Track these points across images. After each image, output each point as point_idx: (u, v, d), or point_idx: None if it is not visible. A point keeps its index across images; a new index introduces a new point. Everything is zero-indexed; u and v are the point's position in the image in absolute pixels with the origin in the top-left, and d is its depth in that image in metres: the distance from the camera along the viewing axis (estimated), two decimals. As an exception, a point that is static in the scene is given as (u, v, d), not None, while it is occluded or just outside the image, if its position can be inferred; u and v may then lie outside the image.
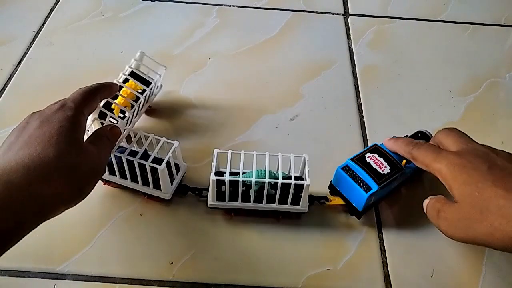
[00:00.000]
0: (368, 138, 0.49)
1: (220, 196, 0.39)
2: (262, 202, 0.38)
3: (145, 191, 0.40)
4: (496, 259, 0.39)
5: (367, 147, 0.40)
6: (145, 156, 0.37)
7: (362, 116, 0.51)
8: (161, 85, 0.49)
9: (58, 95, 0.51)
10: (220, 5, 0.65)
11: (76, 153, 0.31)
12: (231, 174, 0.38)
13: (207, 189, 0.40)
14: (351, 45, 0.60)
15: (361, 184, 0.37)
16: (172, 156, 0.39)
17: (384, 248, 0.40)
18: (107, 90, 0.39)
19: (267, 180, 0.37)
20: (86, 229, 0.39)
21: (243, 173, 0.37)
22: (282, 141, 0.48)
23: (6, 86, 0.52)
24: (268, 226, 0.40)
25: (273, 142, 0.48)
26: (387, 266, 0.39)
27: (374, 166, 0.38)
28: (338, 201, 0.40)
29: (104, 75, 0.53)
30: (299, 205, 0.39)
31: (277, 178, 0.37)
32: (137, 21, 0.62)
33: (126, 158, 0.37)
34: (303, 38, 0.61)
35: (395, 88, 0.55)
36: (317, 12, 0.66)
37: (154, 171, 0.37)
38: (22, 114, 0.48)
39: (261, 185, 0.38)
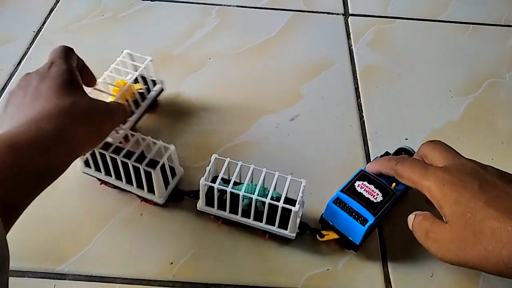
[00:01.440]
0: (368, 138, 0.49)
1: (209, 202, 0.38)
2: (250, 217, 0.37)
3: (140, 194, 0.40)
4: (496, 259, 0.39)
5: (355, 175, 0.38)
6: (141, 158, 0.37)
7: (362, 116, 0.51)
8: (161, 82, 0.49)
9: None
10: (220, 5, 0.65)
11: (86, 99, 0.34)
12: (225, 182, 0.38)
13: (195, 191, 0.40)
14: (351, 45, 0.60)
15: (357, 217, 0.36)
16: (167, 160, 0.38)
17: (384, 248, 0.40)
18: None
19: (254, 196, 0.35)
20: (86, 229, 0.39)
21: (237, 183, 0.37)
22: (282, 141, 0.48)
23: (6, 86, 0.52)
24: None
25: (273, 142, 0.48)
26: (387, 266, 0.39)
27: (366, 195, 0.36)
28: (331, 235, 0.38)
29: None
30: (286, 229, 0.37)
31: (267, 196, 0.36)
32: (137, 21, 0.62)
33: (121, 160, 0.37)
34: (303, 38, 0.61)
35: (395, 88, 0.55)
36: (317, 12, 0.66)
37: (149, 174, 0.37)
38: (22, 114, 0.48)
39: (251, 200, 0.36)
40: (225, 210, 0.38)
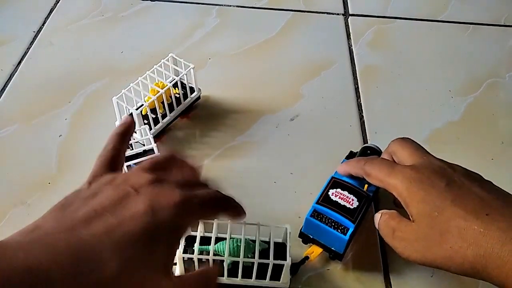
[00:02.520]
0: (368, 138, 0.49)
1: (189, 269, 0.35)
2: (237, 276, 0.34)
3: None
4: (496, 259, 0.39)
5: (326, 183, 0.38)
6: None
7: (362, 116, 0.51)
8: (199, 90, 0.48)
9: (58, 95, 0.51)
10: (220, 5, 0.65)
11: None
12: (202, 241, 0.34)
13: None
14: (351, 45, 0.60)
15: (337, 227, 0.35)
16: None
17: (384, 248, 0.40)
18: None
19: (241, 259, 0.33)
20: (86, 229, 0.39)
21: (217, 239, 0.34)
22: (282, 141, 0.48)
23: (6, 86, 0.52)
24: (269, 222, 0.40)
25: (273, 142, 0.48)
26: (387, 266, 0.39)
27: (342, 202, 0.36)
28: (316, 251, 0.37)
29: (104, 75, 0.54)
30: (279, 280, 0.35)
31: (254, 250, 0.33)
32: (137, 21, 0.62)
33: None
34: (303, 38, 0.61)
35: (395, 88, 0.55)
36: (317, 12, 0.66)
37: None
38: (22, 114, 0.48)
39: (234, 260, 0.34)
40: None
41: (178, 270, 0.35)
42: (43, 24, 0.60)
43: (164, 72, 0.46)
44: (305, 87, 0.54)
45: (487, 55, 0.60)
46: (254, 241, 0.34)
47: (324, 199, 0.37)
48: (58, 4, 0.64)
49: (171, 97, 0.45)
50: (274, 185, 0.44)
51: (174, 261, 0.35)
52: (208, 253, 0.33)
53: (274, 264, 0.33)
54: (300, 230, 0.38)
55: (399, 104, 0.53)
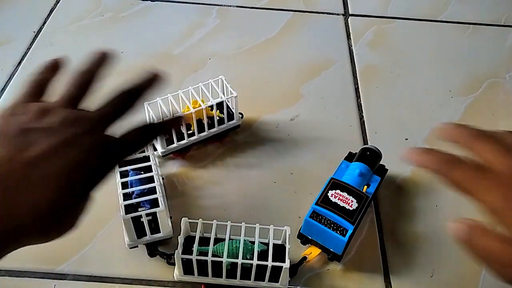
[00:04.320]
0: (368, 138, 0.49)
1: (188, 269, 0.34)
2: (236, 277, 0.34)
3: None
4: (496, 259, 0.39)
5: (326, 184, 0.38)
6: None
7: (362, 116, 0.51)
8: (241, 116, 0.46)
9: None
10: (220, 5, 0.65)
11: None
12: (201, 241, 0.34)
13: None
14: (351, 45, 0.60)
15: (336, 229, 0.35)
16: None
17: (384, 248, 0.40)
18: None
19: (240, 260, 0.33)
20: (86, 229, 0.39)
21: (216, 240, 0.34)
22: (282, 141, 0.48)
23: (6, 86, 0.52)
24: (269, 222, 0.40)
25: (273, 142, 0.48)
26: (387, 266, 0.39)
27: (341, 204, 0.36)
28: (314, 251, 0.37)
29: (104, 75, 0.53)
30: (278, 281, 0.34)
31: (253, 251, 0.33)
32: (137, 21, 0.62)
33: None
34: (303, 38, 0.61)
35: (395, 88, 0.55)
36: (317, 12, 0.66)
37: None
38: (22, 114, 0.48)
39: (232, 261, 0.34)
40: (206, 275, 0.34)
41: (177, 270, 0.35)
42: (43, 24, 0.60)
43: (206, 93, 0.44)
44: (305, 87, 0.54)
45: (487, 55, 0.60)
46: (253, 243, 0.34)
47: (324, 200, 0.37)
48: (58, 4, 0.64)
49: (203, 117, 0.43)
50: (274, 185, 0.44)
51: (173, 261, 0.36)
52: (207, 254, 0.33)
53: (272, 266, 0.33)
54: (299, 231, 0.38)
55: (399, 104, 0.53)
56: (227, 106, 0.45)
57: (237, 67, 0.56)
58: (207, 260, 0.33)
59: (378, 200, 0.43)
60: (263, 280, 0.34)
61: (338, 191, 0.37)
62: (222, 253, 0.33)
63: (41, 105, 0.27)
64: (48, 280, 0.36)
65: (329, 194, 0.37)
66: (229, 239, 0.34)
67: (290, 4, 0.66)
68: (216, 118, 0.44)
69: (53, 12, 0.62)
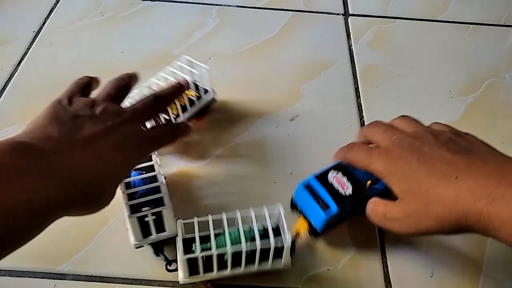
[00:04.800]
0: (368, 138, 0.49)
1: (193, 269, 0.35)
2: (239, 265, 0.35)
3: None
4: (496, 259, 0.39)
5: (333, 164, 0.38)
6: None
7: (362, 116, 0.51)
8: (214, 92, 0.47)
9: (58, 95, 0.51)
10: (220, 5, 0.65)
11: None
12: (201, 240, 0.34)
13: (173, 261, 0.37)
14: (351, 45, 0.60)
15: (321, 204, 0.36)
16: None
17: (384, 248, 0.40)
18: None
19: (244, 248, 0.33)
20: (86, 229, 0.39)
21: (215, 235, 0.34)
22: (282, 141, 0.48)
23: (6, 86, 0.52)
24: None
25: (273, 142, 0.48)
26: (387, 266, 0.39)
27: (336, 186, 0.36)
28: (303, 225, 0.38)
29: (104, 75, 0.53)
30: (280, 262, 0.36)
31: (253, 239, 0.33)
32: (137, 21, 0.62)
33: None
34: (303, 38, 0.61)
35: (395, 88, 0.55)
36: (317, 12, 0.66)
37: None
38: (22, 114, 0.48)
39: (236, 250, 0.34)
40: (211, 271, 0.35)
41: (181, 274, 0.35)
42: (43, 24, 0.60)
43: (176, 73, 0.45)
44: (305, 87, 0.54)
45: (487, 55, 0.60)
46: (250, 229, 0.35)
47: (322, 176, 0.37)
48: (58, 4, 0.64)
49: (183, 98, 0.44)
50: (274, 185, 0.44)
51: (172, 268, 0.37)
52: (210, 250, 0.33)
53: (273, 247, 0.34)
54: (291, 198, 0.39)
55: (399, 104, 0.53)
56: (201, 82, 0.46)
57: (237, 67, 0.56)
58: (211, 256, 0.33)
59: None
60: (265, 264, 0.35)
61: (339, 174, 0.38)
62: (225, 245, 0.33)
63: (87, 98, 0.33)
64: (48, 280, 0.36)
65: (330, 174, 0.38)
66: (228, 230, 0.34)
67: (290, 4, 0.66)
68: (195, 96, 0.46)
69: (53, 12, 0.62)
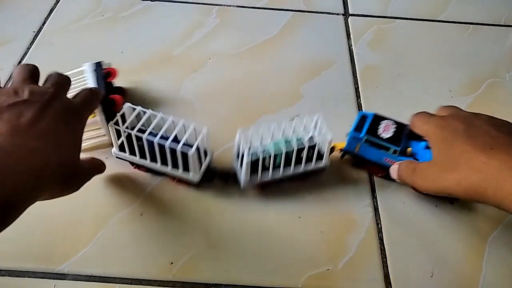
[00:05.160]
0: (368, 138, 0.49)
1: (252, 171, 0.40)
2: (289, 167, 0.41)
3: (175, 174, 0.41)
4: (496, 259, 0.39)
5: (398, 121, 0.42)
6: (176, 141, 0.38)
7: (362, 116, 0.51)
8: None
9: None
10: (220, 5, 0.65)
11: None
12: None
13: (230, 174, 0.43)
14: (351, 45, 0.60)
15: (358, 128, 0.41)
16: (200, 142, 0.39)
17: (384, 248, 0.40)
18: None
19: (295, 147, 0.39)
20: (86, 229, 0.39)
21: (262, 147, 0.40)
22: (282, 141, 0.48)
23: (6, 86, 0.52)
24: (269, 222, 0.40)
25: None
26: (387, 266, 0.39)
27: (380, 128, 0.41)
28: (340, 144, 0.44)
29: (104, 75, 0.53)
30: (321, 163, 0.42)
31: (299, 144, 0.40)
32: (137, 21, 0.62)
33: (158, 143, 0.38)
34: (303, 38, 0.61)
35: (395, 88, 0.55)
36: (317, 12, 0.66)
37: (185, 155, 0.38)
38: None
39: (285, 154, 0.40)
40: (267, 175, 0.41)
41: (243, 177, 0.40)
42: (43, 24, 0.60)
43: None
44: (305, 87, 0.54)
45: (487, 55, 0.60)
46: (291, 139, 0.40)
47: (379, 118, 0.42)
48: (58, 4, 0.64)
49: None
50: (274, 185, 0.44)
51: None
52: (268, 155, 0.39)
53: (312, 148, 0.41)
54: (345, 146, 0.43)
55: (399, 104, 0.53)
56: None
57: (237, 67, 0.56)
58: (263, 164, 0.40)
59: (378, 200, 0.43)
60: (310, 165, 0.41)
61: (393, 125, 0.42)
62: (280, 150, 0.39)
63: (8, 88, 0.33)
64: (48, 280, 0.36)
65: (386, 120, 0.42)
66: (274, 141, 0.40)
67: (290, 4, 0.66)
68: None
69: (53, 12, 0.62)
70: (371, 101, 0.53)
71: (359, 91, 0.54)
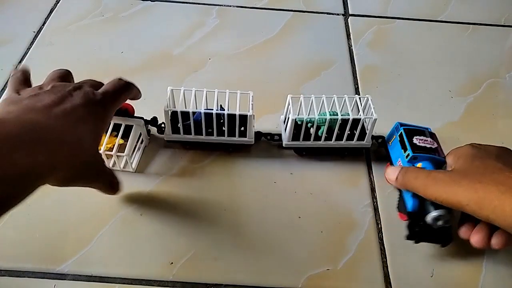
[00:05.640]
0: (368, 138, 0.49)
1: (293, 136, 0.43)
2: (331, 139, 0.43)
3: (232, 140, 0.43)
4: (496, 259, 0.39)
5: (439, 149, 0.41)
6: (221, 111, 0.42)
7: (362, 116, 0.51)
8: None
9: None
10: (220, 5, 0.65)
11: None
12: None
13: (277, 135, 0.46)
14: (351, 45, 0.60)
15: (405, 125, 0.43)
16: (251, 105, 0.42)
17: (384, 248, 0.40)
18: (134, 92, 0.38)
19: (339, 118, 0.41)
20: (86, 229, 0.39)
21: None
22: (282, 141, 0.48)
23: (6, 86, 0.52)
24: (269, 222, 0.40)
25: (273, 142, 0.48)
26: (387, 266, 0.39)
27: (420, 137, 0.41)
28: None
29: (104, 75, 0.53)
30: (364, 140, 0.44)
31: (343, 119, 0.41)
32: (137, 21, 0.62)
33: (215, 113, 0.41)
34: (303, 38, 0.61)
35: (395, 88, 0.55)
36: (317, 12, 0.66)
37: (243, 118, 0.42)
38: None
39: (328, 126, 0.42)
40: (308, 140, 0.43)
41: (286, 137, 0.44)
42: (43, 24, 0.60)
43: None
44: (305, 87, 0.54)
45: (487, 55, 0.60)
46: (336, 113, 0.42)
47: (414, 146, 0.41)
48: (58, 4, 0.64)
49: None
50: (274, 185, 0.44)
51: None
52: (312, 122, 0.42)
53: (356, 123, 0.42)
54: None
55: (399, 104, 0.53)
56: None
57: (237, 67, 0.56)
58: (306, 131, 0.43)
59: (378, 200, 0.43)
60: (351, 142, 0.44)
61: (433, 140, 0.41)
62: (324, 120, 0.42)
63: (35, 86, 0.34)
64: (48, 280, 0.36)
65: (421, 135, 0.41)
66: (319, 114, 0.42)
67: (290, 4, 0.66)
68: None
69: (53, 12, 0.62)
70: (371, 101, 0.53)
71: (359, 91, 0.54)
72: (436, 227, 0.36)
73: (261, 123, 0.49)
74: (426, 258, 0.39)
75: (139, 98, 0.40)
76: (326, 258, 0.39)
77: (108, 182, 0.36)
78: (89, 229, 0.39)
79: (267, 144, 0.47)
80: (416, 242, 0.38)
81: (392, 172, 0.38)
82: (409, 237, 0.37)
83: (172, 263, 0.38)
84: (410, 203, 0.37)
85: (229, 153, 0.46)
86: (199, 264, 0.38)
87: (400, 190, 0.40)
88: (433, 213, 0.35)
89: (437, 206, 0.35)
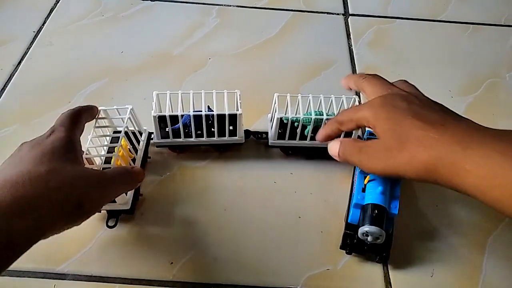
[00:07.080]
0: (368, 138, 0.49)
1: (279, 135, 0.43)
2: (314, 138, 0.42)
3: (223, 140, 0.43)
4: (496, 259, 0.39)
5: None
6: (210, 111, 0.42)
7: (362, 116, 0.51)
8: (145, 130, 0.45)
9: (58, 95, 0.51)
10: (220, 5, 0.65)
11: (71, 169, 0.30)
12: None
13: (265, 133, 0.46)
14: (351, 45, 0.60)
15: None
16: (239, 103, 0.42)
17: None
18: (90, 112, 0.38)
19: (324, 117, 0.41)
20: (86, 229, 0.39)
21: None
22: (282, 141, 0.48)
23: (6, 86, 0.52)
24: (269, 222, 0.40)
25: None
26: (387, 266, 0.39)
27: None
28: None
29: (104, 75, 0.54)
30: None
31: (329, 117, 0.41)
32: (137, 21, 0.62)
33: (205, 115, 0.41)
34: (303, 38, 0.61)
35: (395, 88, 0.55)
36: (317, 12, 0.66)
37: (232, 117, 0.41)
38: (22, 114, 0.48)
39: (315, 125, 0.42)
40: (294, 139, 0.43)
41: (272, 135, 0.43)
42: (43, 24, 0.60)
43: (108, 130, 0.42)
44: (305, 87, 0.54)
45: (487, 55, 0.60)
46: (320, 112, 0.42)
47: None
48: (58, 4, 0.64)
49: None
50: (274, 185, 0.44)
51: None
52: (298, 121, 0.42)
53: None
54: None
55: (399, 104, 0.53)
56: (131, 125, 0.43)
57: (237, 67, 0.56)
58: (292, 130, 0.43)
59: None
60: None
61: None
62: (310, 119, 0.41)
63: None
64: (48, 280, 0.36)
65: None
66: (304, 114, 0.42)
67: (290, 4, 0.66)
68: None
69: (53, 12, 0.62)
70: (371, 101, 0.53)
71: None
72: (367, 242, 0.36)
73: (261, 123, 0.49)
74: (426, 258, 0.39)
75: (95, 116, 0.39)
76: (326, 258, 0.39)
77: (123, 182, 0.34)
78: (89, 229, 0.39)
79: (263, 144, 0.47)
80: (348, 253, 0.38)
81: (333, 147, 0.37)
82: (341, 247, 0.38)
83: (172, 263, 0.38)
84: (351, 213, 0.37)
85: (221, 153, 0.46)
86: (199, 264, 0.38)
87: (351, 190, 0.40)
88: (363, 228, 0.35)
89: (374, 221, 0.35)
